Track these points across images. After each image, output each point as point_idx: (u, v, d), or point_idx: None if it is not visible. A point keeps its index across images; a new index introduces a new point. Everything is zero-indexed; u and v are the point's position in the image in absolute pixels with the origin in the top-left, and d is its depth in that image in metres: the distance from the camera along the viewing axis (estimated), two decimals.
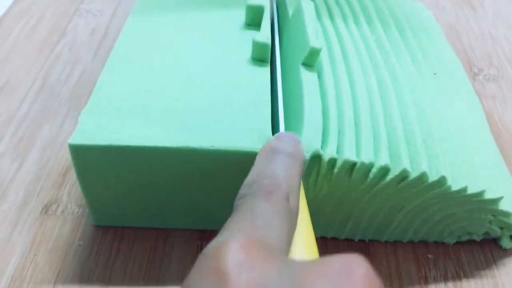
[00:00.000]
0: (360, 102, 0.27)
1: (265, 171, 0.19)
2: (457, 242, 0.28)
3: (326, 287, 0.14)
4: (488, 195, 0.25)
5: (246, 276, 0.14)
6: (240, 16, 0.34)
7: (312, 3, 0.32)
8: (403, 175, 0.24)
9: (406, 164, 0.24)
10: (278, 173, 0.19)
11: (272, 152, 0.21)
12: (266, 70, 0.29)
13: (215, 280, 0.14)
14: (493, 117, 0.36)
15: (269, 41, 0.29)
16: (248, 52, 0.30)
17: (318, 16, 0.35)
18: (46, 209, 0.29)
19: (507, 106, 0.37)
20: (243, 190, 0.19)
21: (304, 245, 0.19)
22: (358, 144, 0.25)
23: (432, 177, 0.24)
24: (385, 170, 0.24)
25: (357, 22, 0.35)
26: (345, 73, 0.29)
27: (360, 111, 0.27)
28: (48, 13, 0.46)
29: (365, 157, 0.24)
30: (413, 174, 0.24)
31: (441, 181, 0.24)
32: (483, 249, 0.28)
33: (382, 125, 0.26)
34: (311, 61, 0.28)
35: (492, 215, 0.26)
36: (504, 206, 0.26)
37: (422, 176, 0.24)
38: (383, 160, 0.24)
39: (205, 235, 0.28)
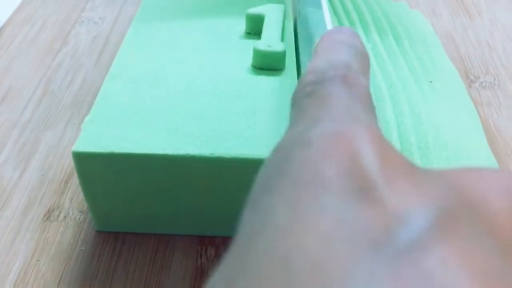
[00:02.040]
0: None
1: (338, 61, 0.16)
2: None
3: None
4: None
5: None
6: (241, 24, 0.34)
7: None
8: None
9: None
10: (354, 65, 0.16)
11: (340, 44, 0.17)
12: (267, 78, 0.30)
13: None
14: (489, 125, 0.37)
15: (269, 49, 0.30)
16: (249, 60, 0.31)
17: None
18: (48, 215, 0.30)
19: (503, 113, 0.38)
20: (310, 76, 0.15)
21: None
22: None
23: None
24: None
25: (353, 30, 0.35)
26: None
27: None
28: (50, 21, 0.47)
29: None
30: None
31: None
32: None
33: None
34: None
35: None
36: None
37: None
38: None
39: (205, 241, 0.29)
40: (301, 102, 0.14)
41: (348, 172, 0.11)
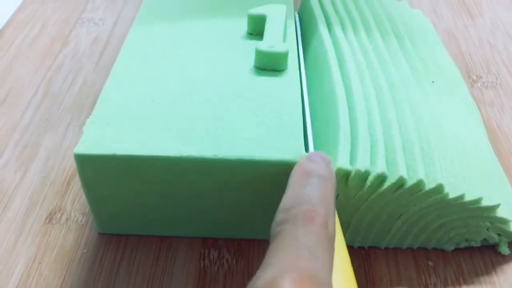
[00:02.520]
0: (357, 110, 0.27)
1: (301, 196, 0.20)
2: (457, 249, 0.28)
3: None
4: (485, 202, 0.25)
5: None
6: (243, 25, 0.34)
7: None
8: (399, 183, 0.24)
9: (403, 171, 0.24)
10: (315, 198, 0.20)
11: (306, 175, 0.21)
12: (270, 78, 0.30)
13: None
14: (492, 124, 0.37)
15: (271, 50, 0.30)
16: (251, 61, 0.31)
17: (317, 25, 0.35)
18: (50, 217, 0.30)
19: (505, 113, 0.38)
20: (280, 215, 0.19)
21: (343, 275, 0.19)
22: (354, 152, 0.25)
23: (429, 185, 0.25)
24: (381, 178, 0.24)
25: (355, 30, 0.35)
26: (341, 81, 0.30)
27: (357, 119, 0.27)
28: (50, 22, 0.47)
29: (361, 165, 0.24)
30: (410, 182, 0.24)
31: (438, 188, 0.25)
32: (482, 256, 0.28)
33: (379, 132, 0.26)
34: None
35: (490, 222, 0.27)
36: (502, 213, 0.26)
37: (419, 184, 0.24)
38: (379, 168, 0.24)
39: (208, 243, 0.28)
40: (270, 245, 0.18)
41: None
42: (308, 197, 0.20)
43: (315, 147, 0.27)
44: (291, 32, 0.34)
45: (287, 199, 0.20)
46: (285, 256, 0.17)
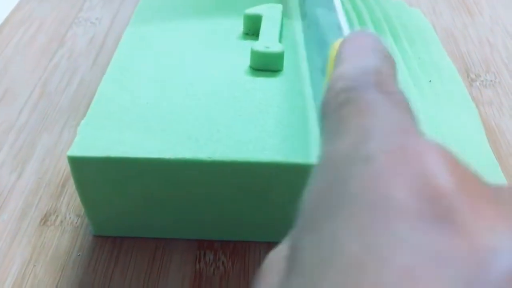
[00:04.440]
0: None
1: (369, 67, 0.14)
2: None
3: None
4: None
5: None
6: (238, 25, 0.34)
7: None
8: None
9: None
10: (386, 71, 0.15)
11: (365, 48, 0.16)
12: (265, 79, 0.29)
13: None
14: (490, 124, 0.37)
15: (267, 50, 0.30)
16: (246, 61, 0.31)
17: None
18: (45, 219, 0.29)
19: (504, 112, 0.38)
20: (341, 83, 0.14)
21: None
22: None
23: None
24: None
25: (352, 29, 0.35)
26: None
27: None
28: (47, 22, 0.47)
29: None
30: None
31: None
32: None
33: None
34: None
35: None
36: None
37: None
38: None
39: (204, 245, 0.28)
40: (338, 112, 0.13)
41: (422, 195, 0.09)
42: (379, 68, 0.14)
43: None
44: (290, 31, 0.34)
45: (346, 69, 0.15)
46: (386, 121, 0.12)
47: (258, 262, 0.27)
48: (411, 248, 0.08)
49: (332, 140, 0.12)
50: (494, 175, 0.29)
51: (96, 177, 0.25)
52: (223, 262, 0.27)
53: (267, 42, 0.30)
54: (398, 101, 0.13)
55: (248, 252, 0.28)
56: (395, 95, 0.13)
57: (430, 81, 0.32)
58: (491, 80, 0.41)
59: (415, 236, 0.09)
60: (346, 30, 0.22)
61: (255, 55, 0.30)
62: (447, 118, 0.30)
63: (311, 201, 0.11)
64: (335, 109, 0.13)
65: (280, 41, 0.31)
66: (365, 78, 0.14)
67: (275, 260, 0.13)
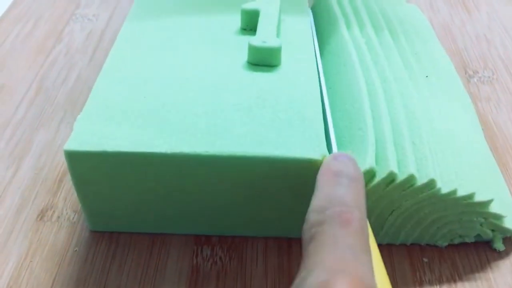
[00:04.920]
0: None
1: (334, 197, 0.19)
2: (452, 245, 0.28)
3: None
4: (478, 198, 0.25)
5: None
6: (236, 20, 0.34)
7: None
8: (390, 178, 0.24)
9: (393, 166, 0.24)
10: (348, 199, 0.19)
11: (335, 176, 0.21)
12: (263, 74, 0.29)
13: None
14: (488, 119, 0.37)
15: (264, 45, 0.29)
16: (244, 56, 0.30)
17: None
18: (42, 215, 0.29)
19: (502, 108, 0.38)
20: (313, 216, 0.19)
21: (380, 278, 0.19)
22: (344, 148, 0.25)
23: (421, 180, 0.24)
24: (371, 174, 0.24)
25: (348, 25, 0.35)
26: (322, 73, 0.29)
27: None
28: (44, 18, 0.47)
29: None
30: (401, 177, 0.24)
31: (430, 183, 0.24)
32: (477, 252, 0.28)
33: (370, 127, 0.26)
34: None
35: (483, 218, 0.26)
36: (495, 208, 0.26)
37: (410, 179, 0.24)
38: (368, 163, 0.24)
39: (201, 240, 0.28)
40: (307, 247, 0.18)
41: None
42: (341, 198, 0.19)
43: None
44: (290, 26, 0.34)
45: (318, 200, 0.20)
46: (329, 258, 0.17)
47: (255, 257, 0.27)
48: None
49: (298, 273, 0.17)
50: (489, 169, 0.29)
51: (93, 172, 0.25)
52: (220, 257, 0.27)
53: (265, 37, 0.30)
54: (353, 231, 0.18)
55: (245, 247, 0.28)
56: (352, 224, 0.18)
57: (426, 76, 0.32)
58: (489, 77, 0.41)
59: None
60: (334, 147, 0.26)
61: (253, 50, 0.30)
62: (442, 112, 0.30)
63: None
64: (307, 244, 0.18)
65: (277, 36, 0.31)
66: (330, 210, 0.19)
67: None
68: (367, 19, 0.36)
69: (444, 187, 0.25)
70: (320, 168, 0.22)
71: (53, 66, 0.41)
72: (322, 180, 0.21)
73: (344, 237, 0.18)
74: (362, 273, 0.16)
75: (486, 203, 0.25)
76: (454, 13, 0.48)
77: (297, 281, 0.17)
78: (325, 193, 0.20)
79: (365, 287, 0.16)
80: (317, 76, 0.30)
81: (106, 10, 0.48)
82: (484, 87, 0.40)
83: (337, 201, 0.19)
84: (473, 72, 0.41)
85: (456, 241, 0.28)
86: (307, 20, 0.35)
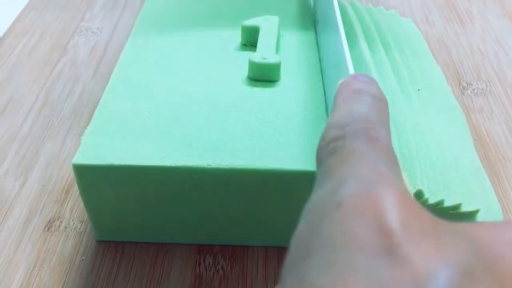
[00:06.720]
0: None
1: (357, 114, 0.17)
2: None
3: None
4: (465, 208, 0.26)
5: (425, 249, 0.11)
6: (237, 36, 0.35)
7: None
8: None
9: None
10: (373, 117, 0.17)
11: (357, 93, 0.18)
12: (263, 89, 0.30)
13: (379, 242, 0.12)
14: (481, 130, 0.38)
15: (264, 61, 0.31)
16: (245, 71, 0.32)
17: None
18: (49, 225, 0.30)
19: (494, 119, 0.39)
20: (332, 132, 0.16)
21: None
22: None
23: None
24: None
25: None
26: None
27: None
28: (49, 31, 0.48)
29: None
30: None
31: (418, 194, 0.25)
32: None
33: None
34: None
35: None
36: (483, 218, 0.27)
37: None
38: None
39: (204, 249, 0.29)
40: (326, 161, 0.15)
41: (376, 233, 0.12)
42: (366, 115, 0.17)
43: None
44: (290, 42, 0.35)
45: (338, 117, 0.17)
46: (361, 170, 0.14)
47: (256, 266, 0.28)
48: (366, 278, 0.11)
49: (319, 187, 0.15)
50: (478, 180, 0.30)
51: (100, 184, 0.26)
52: (222, 266, 0.28)
53: (264, 53, 0.31)
54: (380, 147, 0.15)
55: (246, 256, 0.29)
56: (379, 141, 0.16)
57: (418, 89, 0.33)
58: (482, 89, 0.42)
59: (370, 268, 0.11)
60: (350, 69, 0.24)
61: (253, 66, 0.31)
62: (433, 126, 0.31)
63: (294, 243, 0.13)
64: (325, 158, 0.16)
65: (276, 52, 0.32)
66: (353, 126, 0.16)
67: None
68: (361, 33, 0.37)
69: (431, 198, 0.26)
70: (338, 87, 0.19)
71: (59, 79, 0.42)
72: (342, 98, 0.18)
73: (371, 151, 0.15)
74: (400, 184, 0.14)
75: (472, 213, 0.26)
76: (449, 27, 0.50)
77: (320, 194, 0.14)
78: (345, 109, 0.17)
79: (407, 198, 0.13)
80: (316, 91, 0.31)
81: (109, 23, 0.49)
82: (477, 99, 0.41)
83: (360, 118, 0.16)
84: (467, 84, 0.42)
85: None
86: (310, 34, 0.36)
